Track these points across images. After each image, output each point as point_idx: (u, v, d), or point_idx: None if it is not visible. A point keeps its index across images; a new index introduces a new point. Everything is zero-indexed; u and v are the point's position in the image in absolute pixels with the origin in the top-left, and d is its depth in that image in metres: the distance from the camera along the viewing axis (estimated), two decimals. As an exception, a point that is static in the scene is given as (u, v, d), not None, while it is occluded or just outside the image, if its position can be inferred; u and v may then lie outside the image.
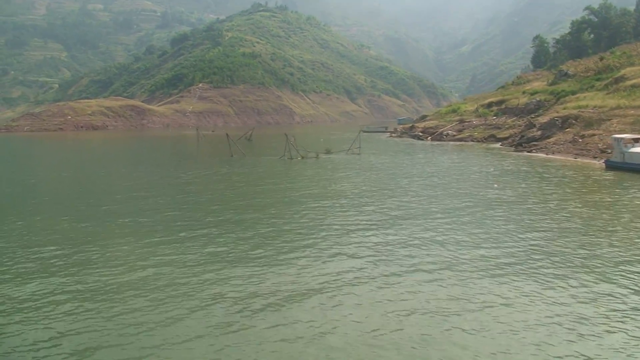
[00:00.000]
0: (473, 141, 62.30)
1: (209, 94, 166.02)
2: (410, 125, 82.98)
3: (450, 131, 66.37)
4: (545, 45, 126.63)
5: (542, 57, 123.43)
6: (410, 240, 16.94)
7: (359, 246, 16.64)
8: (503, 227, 19.07)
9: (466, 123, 68.24)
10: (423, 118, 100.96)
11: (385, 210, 21.61)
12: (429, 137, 67.30)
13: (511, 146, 54.28)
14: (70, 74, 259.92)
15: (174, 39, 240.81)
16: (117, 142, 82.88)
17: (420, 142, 66.38)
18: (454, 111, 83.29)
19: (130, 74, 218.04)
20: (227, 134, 51.82)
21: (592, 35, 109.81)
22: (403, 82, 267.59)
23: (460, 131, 66.03)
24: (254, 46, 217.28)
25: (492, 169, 36.46)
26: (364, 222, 19.81)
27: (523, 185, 28.58)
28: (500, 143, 58.30)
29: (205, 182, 31.63)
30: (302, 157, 47.14)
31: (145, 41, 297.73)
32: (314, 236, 18.03)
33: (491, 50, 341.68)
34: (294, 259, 15.53)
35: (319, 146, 55.24)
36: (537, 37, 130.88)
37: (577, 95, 60.73)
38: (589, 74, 69.96)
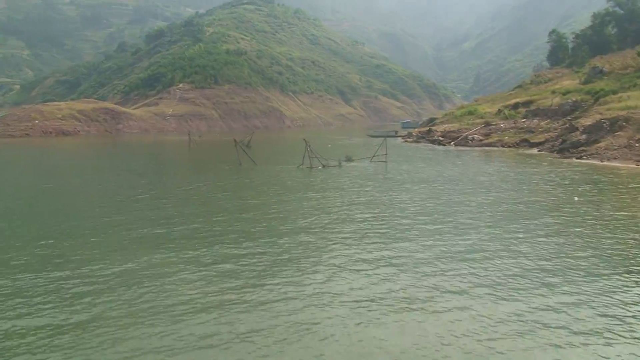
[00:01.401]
0: (503, 146, 60.53)
1: (190, 96, 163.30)
2: (427, 128, 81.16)
3: (476, 135, 64.66)
4: (564, 40, 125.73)
5: (559, 54, 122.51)
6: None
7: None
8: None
9: (492, 126, 66.61)
10: (431, 121, 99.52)
11: (483, 239, 19.17)
12: (452, 142, 65.53)
13: (552, 152, 52.58)
14: (33, 74, 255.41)
15: (149, 35, 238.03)
16: (95, 148, 79.93)
17: (442, 147, 64.57)
18: (470, 113, 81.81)
19: (100, 73, 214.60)
20: (235, 140, 49.63)
21: (615, 30, 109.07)
22: (401, 82, 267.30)
23: (487, 135, 64.33)
24: (239, 42, 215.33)
25: (556, 178, 34.54)
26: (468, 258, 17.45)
27: (607, 199, 26.57)
28: (537, 149, 56.57)
29: (229, 197, 29.21)
30: (324, 166, 44.91)
31: (116, 38, 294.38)
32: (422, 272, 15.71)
33: (496, 46, 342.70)
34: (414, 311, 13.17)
35: (329, 153, 53.20)
36: (553, 31, 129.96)
37: (620, 94, 59.31)
38: (627, 71, 68.71)
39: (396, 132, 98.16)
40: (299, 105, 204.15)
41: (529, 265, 15.94)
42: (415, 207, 25.15)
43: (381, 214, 23.61)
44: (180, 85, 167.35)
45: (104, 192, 31.56)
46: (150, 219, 22.90)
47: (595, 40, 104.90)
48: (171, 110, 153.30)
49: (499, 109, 75.23)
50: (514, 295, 13.53)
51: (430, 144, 69.55)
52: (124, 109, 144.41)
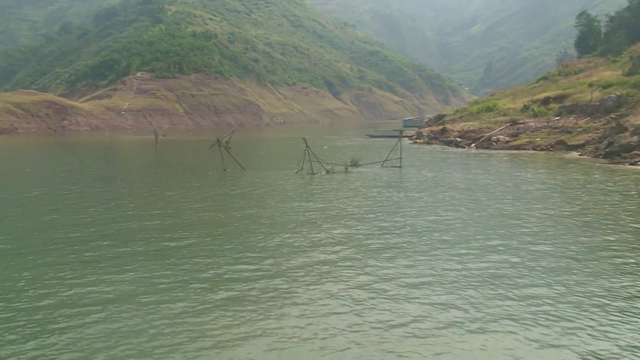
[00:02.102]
0: (535, 149, 59.62)
1: (150, 86, 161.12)
2: (441, 127, 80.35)
3: (501, 136, 63.74)
4: (595, 24, 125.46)
5: (590, 40, 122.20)
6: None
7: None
8: None
9: (520, 125, 65.78)
10: (440, 119, 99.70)
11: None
12: (473, 144, 64.55)
13: (596, 156, 51.76)
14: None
15: (99, 14, 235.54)
16: (39, 149, 77.78)
17: (460, 150, 63.52)
18: (489, 109, 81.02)
19: (40, 59, 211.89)
20: (218, 140, 48.14)
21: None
22: (399, 72, 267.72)
23: (514, 136, 63.47)
24: (207, 24, 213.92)
25: (618, 189, 33.48)
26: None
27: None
28: (577, 152, 55.76)
29: (223, 212, 27.66)
30: (328, 172, 43.75)
31: (58, 17, 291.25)
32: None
33: (510, 31, 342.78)
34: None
35: (328, 156, 51.97)
36: (582, 14, 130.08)
37: (674, 87, 58.96)
38: (679, 59, 68.52)
39: (401, 131, 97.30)
40: (279, 98, 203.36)
41: None
42: (467, 226, 23.81)
43: (425, 237, 22.21)
44: (138, 74, 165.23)
45: (55, 207, 29.83)
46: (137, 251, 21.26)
47: (635, 24, 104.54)
48: (127, 103, 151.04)
49: (525, 105, 74.51)
50: None
51: (446, 146, 68.54)
52: (70, 102, 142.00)
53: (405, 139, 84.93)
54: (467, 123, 77.22)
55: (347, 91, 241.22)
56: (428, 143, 73.67)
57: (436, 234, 22.28)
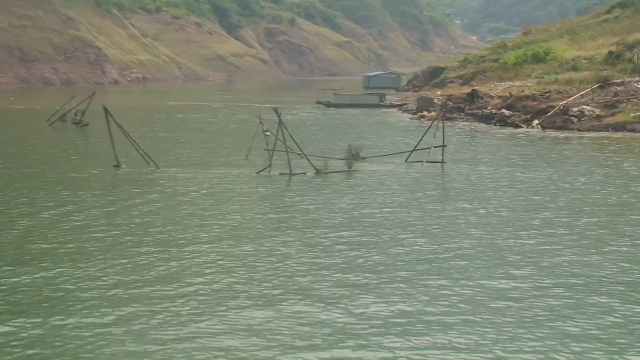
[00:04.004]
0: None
1: None
2: (469, 91, 58.41)
3: (587, 107, 44.56)
4: None
5: None
6: None
7: None
8: None
9: (618, 89, 46.35)
10: (436, 75, 79.94)
11: None
12: (536, 122, 45.23)
13: None
14: None
15: None
16: None
17: (510, 131, 45.46)
18: (538, 58, 60.98)
19: None
20: (106, 109, 30.58)
21: None
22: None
23: (610, 107, 44.93)
24: None
25: None
26: None
27: None
28: None
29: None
30: (318, 171, 28.43)
31: None
32: None
33: None
34: None
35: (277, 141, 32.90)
36: None
37: None
38: None
39: (381, 96, 71.38)
40: (134, 36, 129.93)
41: None
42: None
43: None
44: None
45: None
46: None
47: None
48: None
49: (611, 52, 54.87)
50: None
51: (481, 124, 49.45)
52: None
53: (393, 110, 64.31)
54: (508, 84, 57.55)
55: (253, 25, 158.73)
56: (448, 118, 52.06)
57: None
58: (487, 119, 50.20)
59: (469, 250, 16.84)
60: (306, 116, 58.30)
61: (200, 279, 14.25)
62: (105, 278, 14.26)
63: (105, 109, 30.24)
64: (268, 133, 30.74)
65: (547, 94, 48.91)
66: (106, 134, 30.25)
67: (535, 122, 46.33)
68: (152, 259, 15.73)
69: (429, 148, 31.14)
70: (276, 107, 29.68)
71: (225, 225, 19.06)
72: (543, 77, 55.03)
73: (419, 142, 32.17)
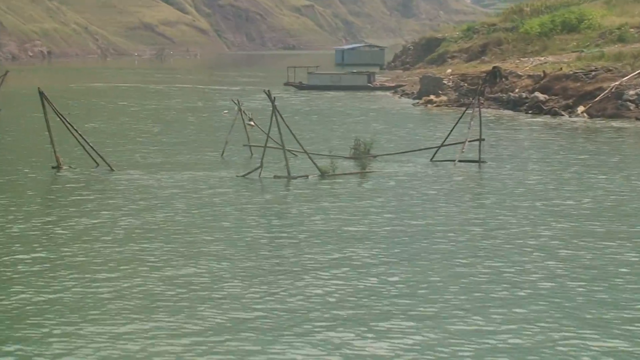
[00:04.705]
0: None
1: None
2: (491, 72, 50.76)
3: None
4: None
5: None
6: None
7: None
8: None
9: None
10: (431, 48, 72.87)
11: None
12: (581, 109, 39.45)
13: None
14: None
15: None
16: None
17: (544, 119, 40.09)
18: (571, 26, 54.38)
19: None
20: (42, 92, 24.77)
21: None
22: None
23: None
24: None
25: None
26: None
27: None
28: None
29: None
30: (324, 174, 23.84)
31: None
32: None
33: None
34: None
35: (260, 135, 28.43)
36: None
37: None
38: None
39: (370, 76, 63.84)
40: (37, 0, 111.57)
41: None
42: None
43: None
44: None
45: None
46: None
47: None
48: None
49: None
50: None
51: (509, 111, 43.16)
52: None
53: (387, 94, 57.37)
54: (537, 60, 50.79)
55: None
56: (462, 104, 45.14)
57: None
58: (514, 104, 44.03)
59: (543, 288, 12.53)
60: (281, 103, 48.96)
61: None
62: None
63: (41, 93, 24.78)
64: (252, 123, 27.77)
65: (594, 73, 42.46)
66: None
67: (581, 108, 40.46)
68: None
69: (463, 143, 25.81)
70: (268, 90, 25.07)
71: (212, 252, 14.59)
72: (582, 52, 49.15)
73: (448, 135, 27.08)
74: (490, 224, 17.30)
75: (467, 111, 27.84)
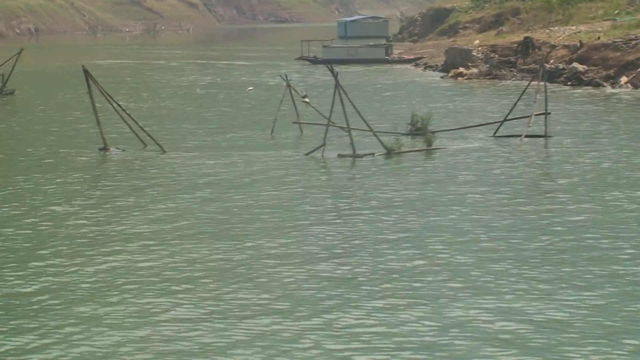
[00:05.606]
0: None
1: None
2: (523, 42, 48.53)
3: None
4: None
5: None
6: None
7: None
8: None
9: None
10: (440, 18, 72.02)
11: None
12: (624, 80, 37.72)
13: None
14: None
15: None
16: None
17: (584, 90, 38.40)
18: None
19: None
20: (86, 70, 23.51)
21: None
22: None
23: None
24: None
25: None
26: None
27: None
28: None
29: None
30: (390, 151, 22.63)
31: None
32: None
33: None
34: None
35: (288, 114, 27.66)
36: None
37: None
38: None
39: (387, 48, 61.73)
40: None
41: None
42: None
43: None
44: None
45: None
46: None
47: None
48: None
49: None
50: None
51: (555, 85, 39.90)
52: None
53: (407, 66, 55.85)
54: (569, 29, 49.22)
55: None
56: (495, 76, 44.14)
57: None
58: (550, 75, 41.57)
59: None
60: (298, 78, 46.87)
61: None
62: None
63: (86, 71, 23.29)
64: (307, 100, 27.45)
65: (634, 42, 41.01)
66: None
67: (624, 79, 38.93)
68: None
69: (529, 117, 24.62)
70: (331, 66, 24.54)
71: (297, 238, 13.59)
72: (615, 20, 47.09)
73: (512, 109, 25.57)
74: (580, 203, 16.14)
75: (531, 82, 26.91)
